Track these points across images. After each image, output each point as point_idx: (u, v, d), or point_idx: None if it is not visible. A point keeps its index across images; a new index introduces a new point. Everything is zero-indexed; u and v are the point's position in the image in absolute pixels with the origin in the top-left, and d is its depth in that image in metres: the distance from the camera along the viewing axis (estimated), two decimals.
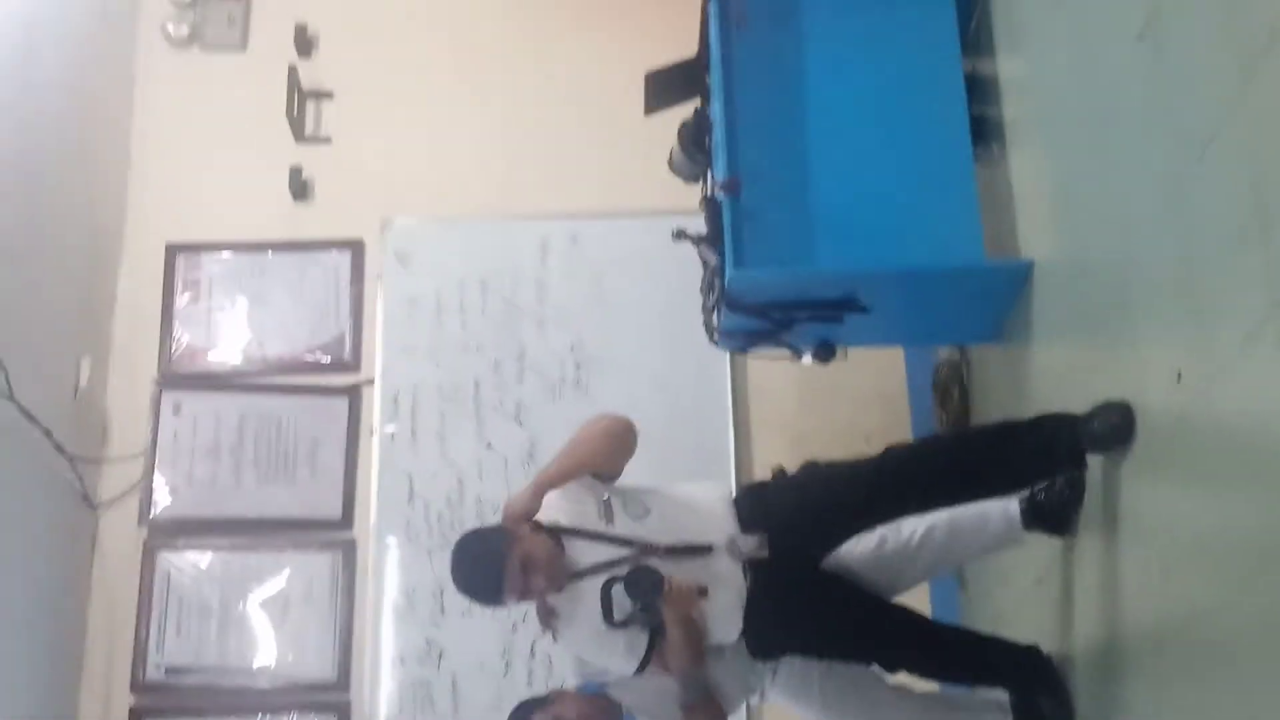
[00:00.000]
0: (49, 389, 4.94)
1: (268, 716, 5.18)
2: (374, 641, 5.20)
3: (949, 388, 4.64)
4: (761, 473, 5.11)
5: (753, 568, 3.32)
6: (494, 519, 4.01)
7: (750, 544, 3.30)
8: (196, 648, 5.23)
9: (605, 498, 3.36)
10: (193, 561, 5.32)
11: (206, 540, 5.35)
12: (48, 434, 4.82)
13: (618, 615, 3.27)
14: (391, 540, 5.29)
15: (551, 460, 3.44)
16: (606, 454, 3.43)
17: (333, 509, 5.38)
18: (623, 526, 3.32)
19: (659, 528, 3.32)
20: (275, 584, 5.30)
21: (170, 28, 5.88)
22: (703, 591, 3.23)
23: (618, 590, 3.23)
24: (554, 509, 3.38)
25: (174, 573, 5.29)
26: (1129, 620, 3.14)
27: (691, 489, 3.51)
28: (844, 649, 3.47)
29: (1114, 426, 3.08)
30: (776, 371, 4.95)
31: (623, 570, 3.22)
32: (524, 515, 3.35)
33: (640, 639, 3.32)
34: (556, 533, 3.35)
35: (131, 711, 5.17)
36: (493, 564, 3.30)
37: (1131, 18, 2.94)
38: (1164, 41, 2.83)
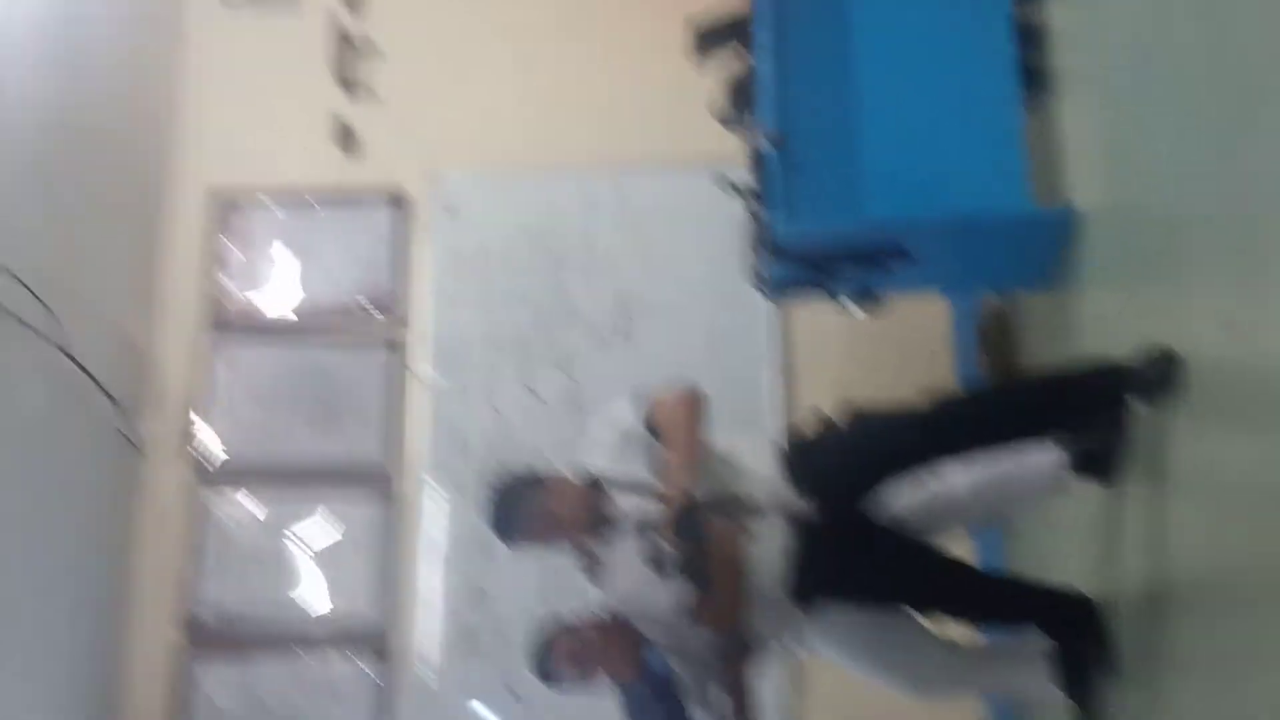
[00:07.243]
0: (98, 337, 4.98)
1: (315, 659, 5.25)
2: (421, 586, 5.26)
3: (996, 337, 4.62)
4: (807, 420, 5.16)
5: (797, 519, 3.33)
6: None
7: (798, 508, 3.30)
8: (245, 591, 5.31)
9: (657, 452, 3.36)
10: (241, 507, 5.39)
11: (254, 486, 5.41)
12: (95, 381, 4.86)
13: (664, 564, 3.29)
14: (437, 487, 5.33)
15: (675, 448, 3.30)
16: (704, 427, 3.38)
17: (378, 457, 5.43)
18: None
19: (708, 484, 3.31)
20: (322, 529, 5.36)
21: None
22: (747, 534, 3.24)
23: (663, 539, 3.24)
24: (606, 461, 3.41)
25: (223, 518, 5.36)
26: (1176, 568, 3.13)
27: (740, 445, 3.49)
28: (888, 596, 3.47)
29: (1162, 374, 3.05)
30: (823, 320, 4.94)
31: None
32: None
33: (685, 589, 3.34)
34: (604, 484, 3.37)
35: (180, 651, 5.25)
36: (515, 511, 3.37)
37: None
38: None
